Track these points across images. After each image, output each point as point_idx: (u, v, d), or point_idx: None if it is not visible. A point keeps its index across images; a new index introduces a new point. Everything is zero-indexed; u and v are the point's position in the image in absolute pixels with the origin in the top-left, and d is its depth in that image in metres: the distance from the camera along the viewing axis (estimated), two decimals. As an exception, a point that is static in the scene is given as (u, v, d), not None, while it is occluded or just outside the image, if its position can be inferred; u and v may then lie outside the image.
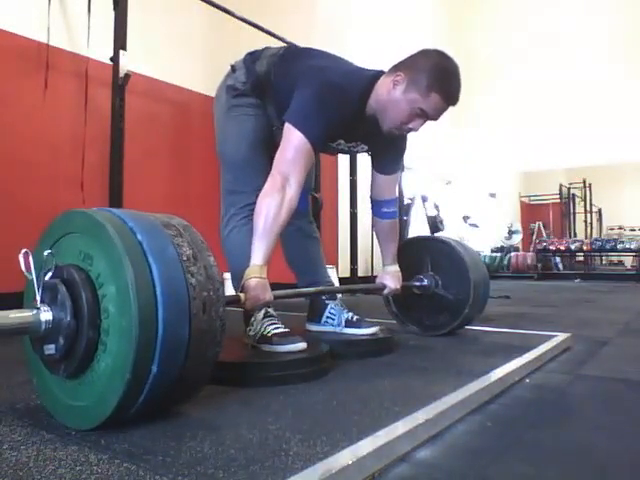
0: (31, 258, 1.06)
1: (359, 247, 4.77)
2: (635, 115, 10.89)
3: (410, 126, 1.59)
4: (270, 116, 1.71)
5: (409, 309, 2.23)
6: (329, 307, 1.85)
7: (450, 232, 7.80)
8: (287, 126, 1.51)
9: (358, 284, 1.99)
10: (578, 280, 7.78)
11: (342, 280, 4.53)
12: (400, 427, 0.99)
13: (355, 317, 1.83)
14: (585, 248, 8.88)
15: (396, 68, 1.60)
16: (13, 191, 3.07)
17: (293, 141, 1.48)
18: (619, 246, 8.59)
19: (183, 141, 4.14)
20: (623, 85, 10.00)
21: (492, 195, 11.59)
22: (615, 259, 14.18)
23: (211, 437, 0.95)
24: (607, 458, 0.97)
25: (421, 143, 7.55)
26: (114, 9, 3.07)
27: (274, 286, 1.68)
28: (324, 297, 1.86)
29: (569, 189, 13.07)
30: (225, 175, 1.73)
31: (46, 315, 1.01)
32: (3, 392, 1.27)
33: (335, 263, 4.98)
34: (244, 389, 1.30)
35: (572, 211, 13.06)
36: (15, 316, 1.01)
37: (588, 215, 13.28)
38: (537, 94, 10.45)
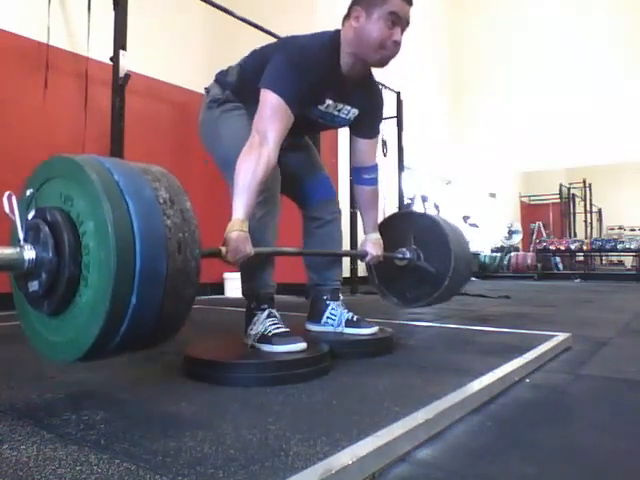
0: (14, 200, 1.11)
1: (359, 247, 4.77)
2: (635, 115, 10.89)
3: (393, 39, 1.57)
4: None
5: (391, 281, 2.25)
6: (330, 307, 1.85)
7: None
8: (262, 91, 1.54)
9: (343, 252, 1.99)
10: (578, 280, 7.78)
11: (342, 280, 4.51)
12: (400, 427, 0.99)
13: (355, 317, 1.83)
14: (585, 248, 8.88)
15: (350, 10, 1.62)
16: (13, 192, 3.07)
17: (268, 101, 1.52)
18: (619, 246, 8.59)
19: (183, 141, 4.15)
20: (623, 85, 10.01)
21: (492, 195, 11.60)
22: (615, 259, 14.19)
23: (211, 437, 0.95)
24: (607, 458, 0.97)
25: (421, 143, 7.57)
26: (114, 9, 3.07)
27: (277, 286, 1.69)
28: (325, 297, 1.86)
29: (569, 189, 13.07)
30: (230, 176, 1.73)
31: (29, 253, 1.06)
32: (3, 392, 1.27)
33: (335, 263, 4.97)
34: (244, 389, 1.30)
35: (572, 211, 13.06)
36: (1, 252, 1.06)
37: (588, 215, 13.28)
38: (537, 94, 10.46)
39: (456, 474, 0.88)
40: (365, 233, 1.98)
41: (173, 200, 1.07)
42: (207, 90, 1.81)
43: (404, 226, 2.18)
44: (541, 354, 1.74)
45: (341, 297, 1.91)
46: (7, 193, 1.10)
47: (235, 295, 4.08)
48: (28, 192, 1.13)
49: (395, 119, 5.35)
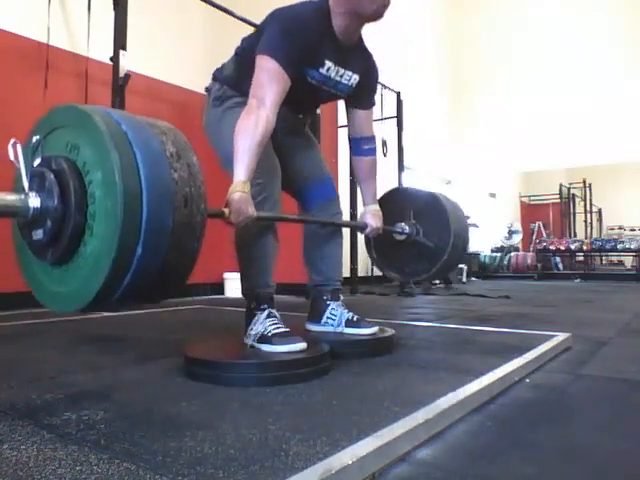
0: (19, 148, 1.10)
1: (359, 247, 4.77)
2: (635, 115, 10.89)
3: None
4: None
5: (389, 256, 2.26)
6: (330, 307, 1.85)
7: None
8: (257, 58, 1.55)
9: (343, 223, 2.00)
10: (578, 280, 7.78)
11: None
12: (400, 427, 0.99)
13: (355, 317, 1.83)
14: (585, 248, 8.88)
15: None
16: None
17: (263, 66, 1.53)
18: (619, 246, 8.59)
19: (183, 141, 4.14)
20: (623, 85, 10.00)
21: (492, 195, 11.60)
22: (615, 259, 14.18)
23: (211, 437, 0.95)
24: (607, 458, 0.97)
25: (421, 143, 7.57)
26: (114, 9, 3.07)
27: (277, 286, 1.69)
28: (326, 298, 1.86)
29: (569, 189, 13.06)
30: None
31: (34, 201, 1.05)
32: (3, 392, 1.27)
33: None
34: (244, 389, 1.30)
35: (572, 211, 13.06)
36: (3, 197, 1.05)
37: (588, 215, 13.28)
38: (537, 94, 10.45)
39: (456, 474, 0.88)
40: (364, 205, 1.98)
41: (180, 154, 1.07)
42: (208, 89, 1.81)
43: (403, 201, 2.20)
44: (541, 354, 1.74)
45: (341, 297, 1.91)
46: (12, 141, 1.09)
47: (235, 295, 4.08)
48: (34, 139, 1.12)
49: (395, 119, 5.35)
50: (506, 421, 1.16)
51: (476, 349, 1.93)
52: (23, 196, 1.05)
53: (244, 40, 1.75)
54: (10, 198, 1.06)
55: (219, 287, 4.46)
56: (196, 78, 3.89)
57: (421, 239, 2.10)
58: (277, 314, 1.61)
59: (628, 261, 12.40)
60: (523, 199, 14.54)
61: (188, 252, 1.08)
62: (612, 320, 2.96)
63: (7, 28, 3.25)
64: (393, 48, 6.90)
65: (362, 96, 1.85)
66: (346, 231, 4.83)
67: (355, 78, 1.76)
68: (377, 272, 6.26)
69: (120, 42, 3.03)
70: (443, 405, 1.13)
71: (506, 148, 12.29)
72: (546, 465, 0.92)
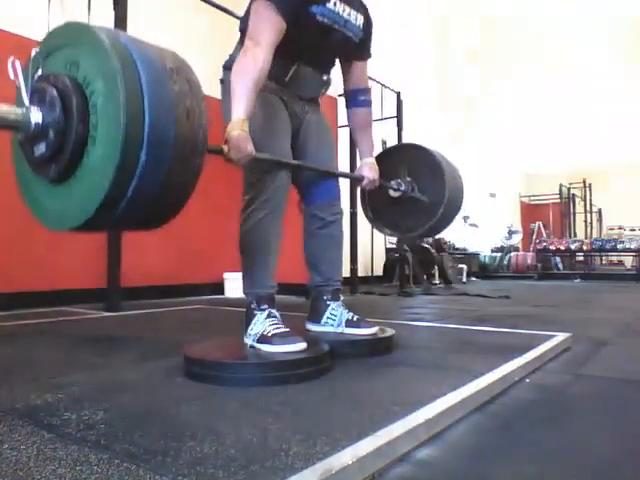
0: (18, 64, 1.11)
1: (359, 247, 4.77)
2: (635, 115, 10.89)
3: None
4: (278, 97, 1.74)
5: (384, 213, 2.26)
6: (330, 307, 1.84)
7: (450, 232, 7.80)
8: (251, 5, 1.58)
9: (340, 173, 2.00)
10: (578, 280, 7.78)
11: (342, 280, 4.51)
12: (400, 427, 0.99)
13: (355, 317, 1.83)
14: (585, 248, 8.88)
15: None
16: (12, 190, 3.07)
17: (257, 10, 1.56)
18: (619, 246, 8.59)
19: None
20: (623, 85, 10.01)
21: (492, 195, 11.60)
22: (615, 259, 14.17)
23: (211, 437, 0.95)
24: (607, 458, 0.97)
25: (421, 143, 7.56)
26: (114, 9, 3.07)
27: (277, 286, 1.69)
28: (326, 298, 1.86)
29: (569, 189, 13.06)
30: (246, 173, 1.73)
31: (36, 115, 1.05)
32: (3, 392, 1.27)
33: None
34: (244, 389, 1.30)
35: (572, 211, 13.05)
36: (4, 109, 1.05)
37: (588, 215, 13.28)
38: (538, 94, 10.46)
39: (456, 474, 0.88)
40: (361, 158, 1.99)
41: (179, 70, 1.07)
42: (222, 81, 1.79)
43: (398, 159, 2.20)
44: (541, 354, 1.73)
45: (341, 297, 1.91)
46: (11, 58, 1.10)
47: (235, 295, 4.08)
48: (33, 52, 1.13)
49: (395, 119, 5.35)
50: (506, 421, 1.16)
51: (476, 349, 1.93)
52: (25, 109, 1.06)
53: (244, 15, 1.74)
54: (12, 111, 1.06)
55: (219, 287, 4.46)
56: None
57: (416, 195, 2.11)
58: (277, 314, 1.61)
59: (628, 261, 12.40)
60: (523, 199, 14.54)
61: (190, 167, 1.08)
62: (612, 320, 2.96)
63: (7, 28, 3.25)
64: (393, 48, 6.90)
65: (361, 45, 1.86)
66: (346, 232, 4.84)
67: (360, 19, 1.78)
68: (377, 272, 6.27)
69: (120, 42, 3.03)
70: (443, 405, 1.13)
71: (506, 148, 12.30)
72: (546, 465, 0.92)
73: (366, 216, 2.34)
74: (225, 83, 1.77)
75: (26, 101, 1.07)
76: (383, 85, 5.14)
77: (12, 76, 1.11)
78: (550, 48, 9.10)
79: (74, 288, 3.40)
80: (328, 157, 1.92)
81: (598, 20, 8.32)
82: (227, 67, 1.77)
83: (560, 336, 2.03)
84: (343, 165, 4.74)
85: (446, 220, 2.19)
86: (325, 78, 1.85)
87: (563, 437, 1.07)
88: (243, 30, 1.72)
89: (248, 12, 1.66)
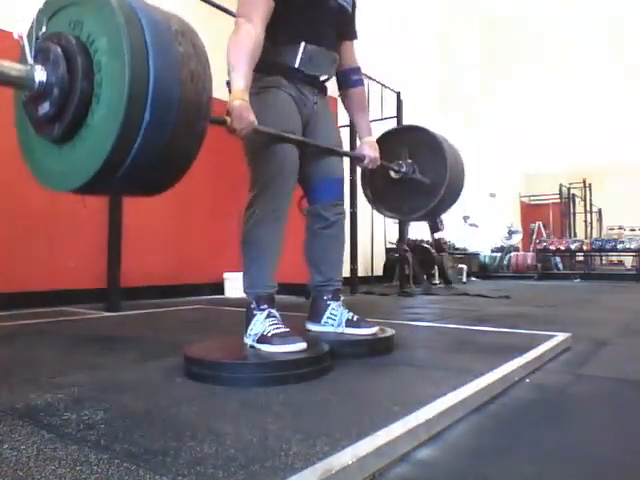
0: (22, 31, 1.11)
1: (359, 247, 4.77)
2: (635, 115, 10.88)
3: None
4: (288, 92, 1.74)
5: (385, 195, 2.27)
6: (330, 307, 1.84)
7: (450, 232, 7.81)
8: None
9: (342, 152, 1.99)
10: (578, 280, 7.78)
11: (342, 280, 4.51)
12: (400, 427, 0.99)
13: (355, 317, 1.83)
14: (585, 248, 8.88)
15: None
16: (14, 188, 3.07)
17: None
18: (619, 246, 8.59)
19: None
20: (623, 85, 10.00)
21: (492, 195, 11.60)
22: (615, 259, 14.16)
23: (211, 437, 0.95)
24: (607, 458, 0.97)
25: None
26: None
27: (277, 286, 1.69)
28: (326, 298, 1.86)
29: (569, 189, 13.06)
30: (253, 168, 1.73)
31: (40, 74, 1.06)
32: (3, 392, 1.27)
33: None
34: (244, 389, 1.30)
35: (572, 211, 13.05)
36: (8, 65, 1.06)
37: (588, 215, 13.28)
38: (538, 94, 10.45)
39: (456, 474, 0.88)
40: (360, 138, 1.99)
41: (184, 33, 1.07)
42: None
43: (398, 141, 2.20)
44: (541, 354, 1.74)
45: (341, 297, 1.91)
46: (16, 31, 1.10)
47: (235, 295, 4.08)
48: (36, 12, 1.14)
49: (395, 119, 5.35)
50: (506, 421, 1.16)
51: (476, 349, 1.92)
52: (29, 67, 1.06)
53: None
54: (15, 67, 1.06)
55: (219, 287, 4.46)
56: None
57: (417, 176, 2.11)
58: (277, 314, 1.61)
59: (628, 261, 12.39)
60: (523, 199, 14.54)
61: (194, 131, 1.08)
62: (612, 320, 2.96)
63: (7, 28, 3.25)
64: (393, 48, 6.90)
65: (349, 24, 1.87)
66: (346, 232, 4.83)
67: None
68: (377, 272, 6.27)
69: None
70: (443, 405, 1.13)
71: (506, 148, 12.30)
72: (546, 465, 0.92)
73: (366, 196, 2.33)
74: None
75: (30, 59, 1.08)
76: (383, 85, 5.14)
77: (16, 36, 1.11)
78: (550, 48, 9.10)
79: (74, 288, 3.40)
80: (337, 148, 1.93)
81: (598, 20, 8.32)
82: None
83: (560, 336, 2.03)
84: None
85: (447, 202, 2.19)
86: (335, 55, 1.83)
87: (563, 437, 1.07)
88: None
89: None
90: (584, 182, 13.03)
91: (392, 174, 2.15)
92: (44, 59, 1.06)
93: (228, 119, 1.44)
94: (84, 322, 2.72)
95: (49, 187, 1.12)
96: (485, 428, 1.11)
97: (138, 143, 0.99)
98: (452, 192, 2.16)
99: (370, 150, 1.94)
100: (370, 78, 4.77)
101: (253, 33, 1.54)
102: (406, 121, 5.47)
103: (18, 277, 3.10)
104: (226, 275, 4.43)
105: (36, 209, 3.21)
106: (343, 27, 1.85)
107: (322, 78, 1.81)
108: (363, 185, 2.31)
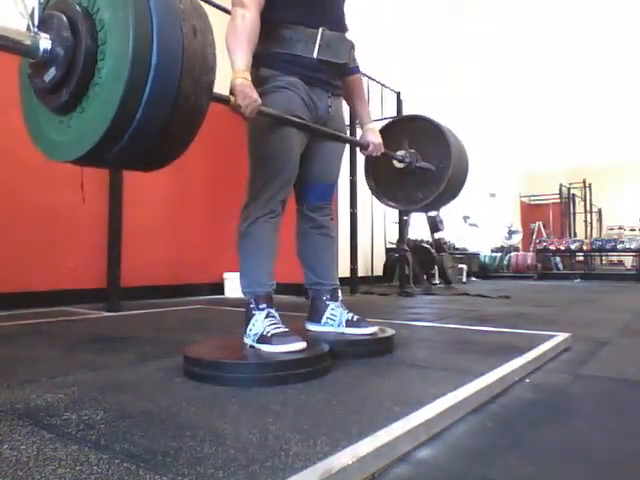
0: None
1: (359, 247, 4.77)
2: (635, 115, 10.89)
3: None
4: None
5: (388, 186, 2.26)
6: (330, 307, 1.84)
7: (450, 232, 7.81)
8: None
9: (345, 138, 1.97)
10: (578, 280, 7.78)
11: (342, 280, 4.50)
12: (400, 427, 0.99)
13: (355, 317, 1.83)
14: (585, 248, 8.88)
15: None
16: (13, 191, 3.07)
17: None
18: (619, 246, 8.59)
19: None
20: (623, 85, 10.00)
21: (492, 195, 11.60)
22: (615, 259, 14.17)
23: (211, 437, 0.95)
24: (607, 458, 0.97)
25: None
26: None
27: (277, 286, 1.69)
28: (325, 298, 1.86)
29: (569, 189, 13.07)
30: (251, 170, 1.73)
31: (45, 42, 1.07)
32: (3, 392, 1.27)
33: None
34: (244, 389, 1.30)
35: (572, 211, 13.05)
36: (13, 30, 1.07)
37: (588, 215, 13.28)
38: (538, 94, 10.45)
39: (456, 474, 0.88)
40: (363, 125, 1.97)
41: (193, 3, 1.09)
42: None
43: (400, 131, 2.20)
44: (541, 354, 1.74)
45: (340, 296, 1.91)
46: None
47: (235, 295, 4.07)
48: None
49: (395, 119, 5.34)
50: (506, 421, 1.16)
51: (476, 349, 1.92)
52: (33, 34, 1.08)
53: None
54: (22, 33, 1.08)
55: (219, 287, 4.46)
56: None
57: (422, 164, 2.10)
58: (276, 314, 1.61)
59: (628, 261, 12.40)
60: (523, 199, 14.54)
61: (201, 84, 1.09)
62: (612, 320, 2.96)
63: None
64: (393, 48, 6.90)
65: (342, 15, 1.84)
66: (346, 232, 4.85)
67: None
68: (377, 272, 6.27)
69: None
70: (443, 405, 1.13)
71: (507, 148, 12.30)
72: (546, 465, 0.92)
73: (369, 186, 2.32)
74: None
75: (34, 24, 1.10)
76: (383, 85, 5.14)
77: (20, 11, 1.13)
78: (550, 48, 9.09)
79: (74, 288, 3.40)
80: (337, 156, 1.92)
81: (598, 20, 8.32)
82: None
83: (560, 336, 2.03)
84: (343, 168, 4.76)
85: (452, 191, 2.17)
86: (351, 42, 1.81)
87: (563, 437, 1.07)
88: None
89: None
90: (584, 182, 13.04)
91: (396, 164, 2.13)
92: (48, 27, 1.08)
93: (232, 98, 1.46)
94: (84, 322, 2.72)
95: (51, 157, 1.14)
96: (485, 428, 1.11)
97: (145, 97, 1.01)
98: (457, 180, 2.15)
99: (374, 137, 1.93)
100: (370, 78, 4.77)
101: (248, 16, 1.56)
102: (406, 121, 5.47)
103: (18, 277, 3.10)
104: (226, 275, 4.43)
105: (36, 209, 3.21)
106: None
107: (340, 62, 1.75)
108: (366, 175, 2.30)
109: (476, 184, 10.35)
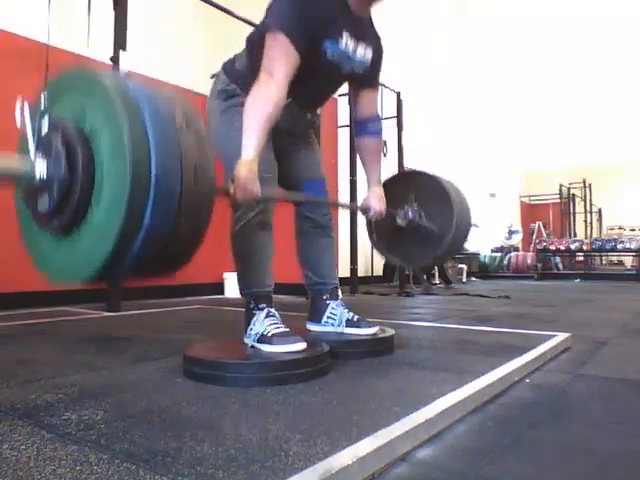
0: (27, 107, 1.10)
1: (359, 247, 4.77)
2: (635, 115, 10.88)
3: None
4: None
5: (391, 241, 2.24)
6: (330, 307, 1.85)
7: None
8: (267, 34, 1.53)
9: (345, 204, 1.95)
10: (578, 280, 7.78)
11: (342, 280, 4.50)
12: (400, 427, 0.99)
13: (355, 317, 1.83)
14: (585, 248, 8.88)
15: None
16: (12, 191, 3.07)
17: (274, 42, 1.51)
18: (619, 246, 8.59)
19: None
20: (623, 85, 10.00)
21: (492, 195, 11.60)
22: (615, 259, 14.18)
23: (211, 437, 0.95)
24: (607, 458, 0.97)
25: (421, 143, 7.57)
26: (114, 9, 3.07)
27: (276, 286, 1.69)
28: (325, 297, 1.86)
29: (569, 189, 13.07)
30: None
31: (41, 167, 1.05)
32: (3, 392, 1.27)
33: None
34: (244, 389, 1.30)
35: (572, 211, 13.06)
36: (9, 162, 1.06)
37: (588, 215, 13.29)
38: (538, 94, 10.45)
39: (456, 474, 0.88)
40: (369, 187, 1.95)
41: (189, 122, 1.06)
42: (216, 76, 1.79)
43: (405, 187, 2.18)
44: (541, 354, 1.74)
45: (340, 296, 1.91)
46: (19, 98, 1.09)
47: (235, 295, 4.06)
48: (41, 96, 1.13)
49: (395, 119, 5.35)
50: (506, 421, 1.16)
51: (476, 349, 1.93)
52: (30, 161, 1.05)
53: (253, 33, 1.72)
54: (16, 163, 1.05)
55: (219, 287, 4.46)
56: (196, 78, 3.89)
57: (424, 223, 2.09)
58: (276, 313, 1.61)
59: (628, 261, 12.40)
60: (523, 199, 14.55)
61: (200, 219, 1.08)
62: (612, 320, 2.96)
63: (7, 28, 3.25)
64: (393, 48, 6.90)
65: (372, 74, 1.83)
66: (346, 232, 4.85)
67: (369, 53, 1.73)
68: (377, 272, 6.27)
69: (120, 42, 3.03)
70: (443, 405, 1.13)
71: (506, 148, 12.30)
72: (546, 465, 0.92)
73: (371, 241, 2.31)
74: (218, 83, 1.76)
75: (32, 152, 1.06)
76: (383, 85, 5.14)
77: (19, 124, 1.09)
78: (550, 48, 9.09)
79: (74, 288, 3.40)
80: (314, 158, 1.93)
81: (599, 20, 8.32)
82: (226, 72, 1.76)
83: (560, 336, 2.03)
84: (343, 168, 4.76)
85: (452, 249, 2.18)
86: (309, 116, 1.83)
87: (563, 437, 1.07)
88: (250, 46, 1.69)
89: (259, 32, 1.62)
90: (584, 182, 13.05)
91: (398, 221, 2.11)
92: (45, 151, 1.05)
93: (232, 188, 1.39)
94: (84, 322, 2.72)
95: (55, 279, 1.12)
96: (485, 428, 1.11)
97: (140, 240, 0.99)
98: (455, 244, 2.14)
99: (377, 202, 1.90)
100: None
101: (274, 93, 1.48)
102: (406, 121, 5.48)
103: (18, 277, 3.10)
104: (226, 275, 4.43)
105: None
106: (360, 81, 1.82)
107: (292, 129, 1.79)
108: (369, 230, 2.29)
109: (476, 184, 10.36)
